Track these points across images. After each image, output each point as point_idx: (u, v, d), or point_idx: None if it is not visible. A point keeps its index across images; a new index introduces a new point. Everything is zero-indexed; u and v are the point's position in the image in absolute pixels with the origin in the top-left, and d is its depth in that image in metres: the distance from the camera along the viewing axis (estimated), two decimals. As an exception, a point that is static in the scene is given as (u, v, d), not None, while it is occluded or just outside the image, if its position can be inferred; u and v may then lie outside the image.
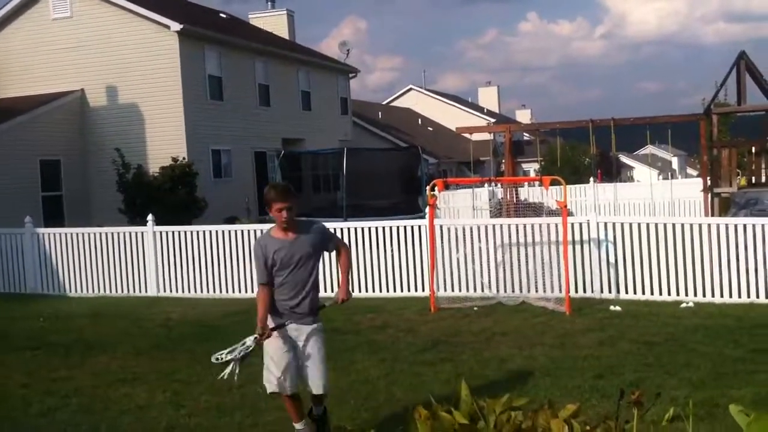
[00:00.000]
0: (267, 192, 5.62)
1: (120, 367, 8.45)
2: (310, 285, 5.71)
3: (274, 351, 5.62)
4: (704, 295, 10.99)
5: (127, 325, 11.06)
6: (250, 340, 5.55)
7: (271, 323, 5.65)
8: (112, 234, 14.13)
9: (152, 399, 7.22)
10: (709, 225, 11.27)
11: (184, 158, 22.05)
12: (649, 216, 19.60)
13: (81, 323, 11.32)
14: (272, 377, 5.62)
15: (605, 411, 5.89)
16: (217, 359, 5.53)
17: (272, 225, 5.82)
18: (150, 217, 14.00)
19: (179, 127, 22.97)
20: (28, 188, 21.09)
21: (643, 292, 11.34)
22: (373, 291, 12.71)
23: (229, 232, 13.52)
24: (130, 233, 14.10)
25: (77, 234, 14.35)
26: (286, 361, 5.61)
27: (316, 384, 5.67)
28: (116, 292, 13.92)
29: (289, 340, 5.66)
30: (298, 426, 5.80)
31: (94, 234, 14.23)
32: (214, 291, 13.37)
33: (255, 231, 13.40)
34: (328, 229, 6.28)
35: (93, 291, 14.07)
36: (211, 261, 13.45)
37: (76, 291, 14.18)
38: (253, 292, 13.12)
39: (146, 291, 13.74)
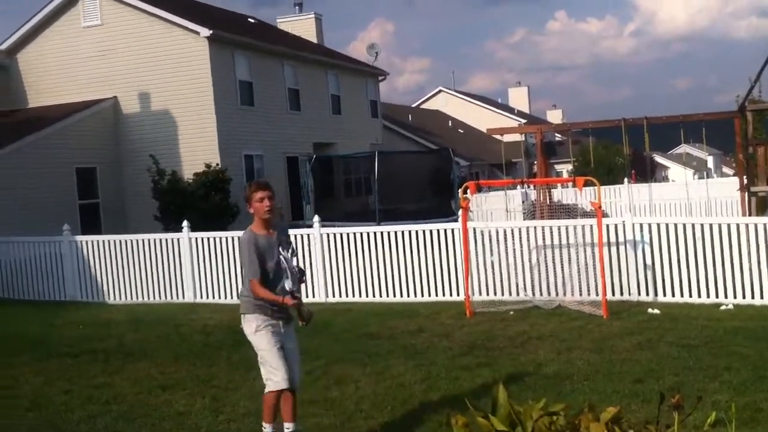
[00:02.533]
0: (246, 188, 5.77)
1: (159, 374, 8.53)
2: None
3: (270, 348, 5.71)
4: (744, 297, 10.83)
5: (165, 331, 11.16)
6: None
7: (259, 320, 5.72)
8: (149, 240, 14.28)
9: (191, 405, 7.28)
10: (746, 225, 11.12)
11: (217, 164, 22.23)
12: (685, 216, 19.39)
13: (120, 330, 11.45)
14: (276, 374, 5.68)
15: (645, 416, 5.84)
16: None
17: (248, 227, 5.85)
18: (185, 223, 14.12)
19: (212, 133, 23.14)
20: (65, 196, 21.37)
21: (682, 294, 11.21)
22: (408, 296, 12.70)
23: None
24: (166, 240, 14.23)
25: (114, 241, 14.52)
26: (282, 355, 5.71)
27: (296, 381, 5.82)
28: (154, 298, 14.06)
29: (278, 336, 5.75)
30: (281, 427, 5.84)
31: (131, 241, 14.39)
32: (249, 296, 13.43)
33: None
34: None
35: (131, 298, 14.22)
36: (246, 267, 13.51)
37: (114, 298, 14.35)
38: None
39: (183, 297, 13.86)
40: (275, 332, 5.73)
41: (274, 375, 5.70)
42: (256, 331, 5.74)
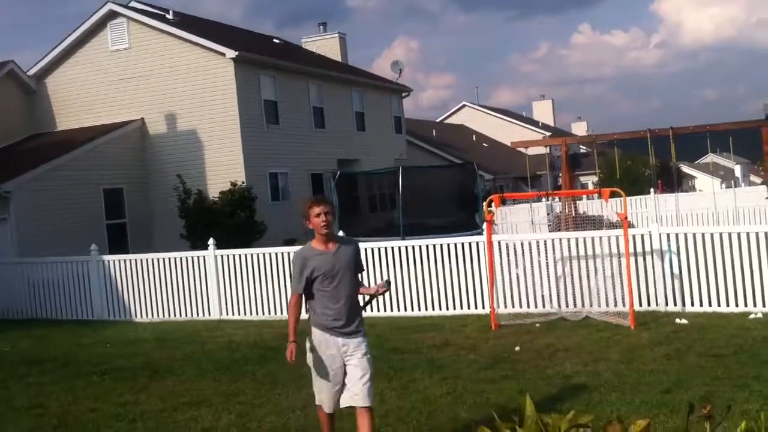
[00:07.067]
0: (303, 204, 5.78)
1: (185, 390, 8.56)
2: (352, 297, 5.68)
3: (321, 369, 5.61)
4: (773, 305, 10.67)
5: (191, 348, 11.21)
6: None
7: (316, 336, 5.63)
8: (175, 259, 14.39)
9: (217, 421, 7.29)
10: (775, 233, 10.96)
11: (242, 182, 22.37)
12: (713, 225, 19.18)
13: (146, 347, 11.52)
14: (323, 395, 5.66)
15: (674, 426, 5.76)
16: None
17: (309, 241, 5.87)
18: (211, 241, 14.21)
19: (237, 152, 23.31)
20: (93, 217, 21.61)
21: (710, 304, 11.08)
22: (433, 309, 12.66)
23: (289, 254, 13.62)
24: (192, 258, 14.33)
25: (141, 260, 14.65)
26: (332, 378, 5.58)
27: (362, 396, 5.50)
28: (180, 316, 14.14)
29: (336, 358, 5.59)
30: None
31: (158, 259, 14.51)
32: (275, 313, 13.48)
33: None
34: None
35: (158, 316, 14.32)
36: (271, 283, 13.58)
37: (141, 316, 14.45)
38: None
39: (209, 314, 13.93)
40: (330, 352, 5.59)
41: (318, 393, 5.72)
42: (312, 349, 5.67)
